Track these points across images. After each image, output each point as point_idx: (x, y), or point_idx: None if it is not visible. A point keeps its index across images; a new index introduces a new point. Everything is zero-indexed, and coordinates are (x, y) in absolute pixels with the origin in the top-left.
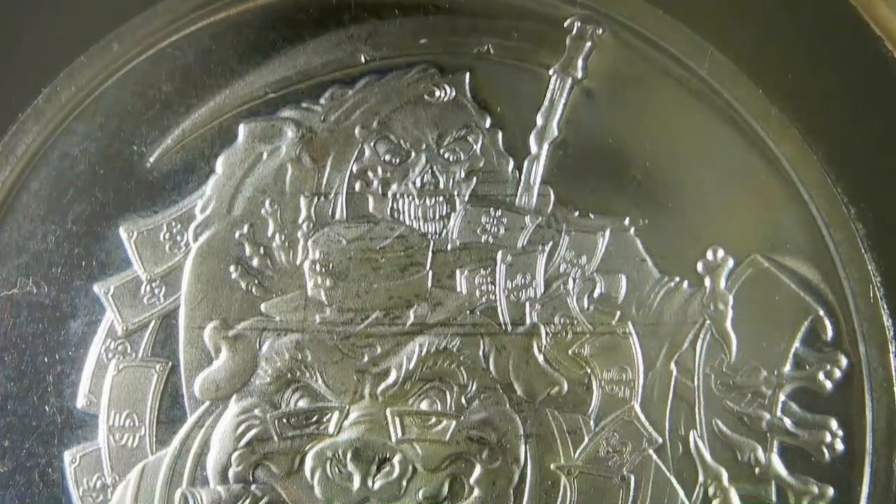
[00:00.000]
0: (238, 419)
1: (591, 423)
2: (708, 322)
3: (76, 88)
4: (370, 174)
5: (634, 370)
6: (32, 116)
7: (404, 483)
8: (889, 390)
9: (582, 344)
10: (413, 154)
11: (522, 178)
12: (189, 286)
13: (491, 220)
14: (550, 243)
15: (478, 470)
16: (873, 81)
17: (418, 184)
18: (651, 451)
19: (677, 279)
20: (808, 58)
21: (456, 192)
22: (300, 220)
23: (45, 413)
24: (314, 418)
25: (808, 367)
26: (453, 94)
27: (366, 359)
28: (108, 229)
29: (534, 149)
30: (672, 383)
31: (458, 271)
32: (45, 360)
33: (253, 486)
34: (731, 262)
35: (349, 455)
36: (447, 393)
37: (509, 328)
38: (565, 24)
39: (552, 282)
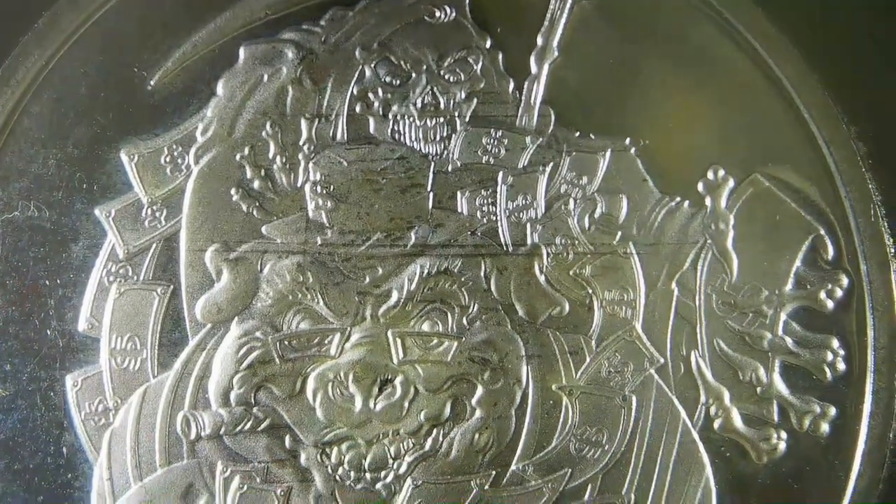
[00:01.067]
0: (240, 342)
1: (593, 343)
2: (709, 242)
3: (77, 11)
4: (371, 96)
5: (635, 290)
6: (33, 40)
7: (406, 404)
8: (890, 309)
9: (583, 264)
10: (413, 75)
11: (523, 98)
12: (190, 209)
13: (492, 140)
14: (551, 164)
15: (479, 391)
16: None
17: (419, 105)
18: (652, 371)
19: (678, 199)
20: None
21: (457, 113)
22: (301, 142)
23: (47, 337)
24: (316, 340)
25: (809, 287)
26: (453, 14)
27: (367, 280)
28: (109, 152)
29: (534, 69)
30: (673, 303)
31: (458, 192)
32: (47, 283)
33: (255, 409)
34: (731, 182)
35: (351, 377)
36: (448, 314)
37: (510, 249)
38: None
39: (553, 202)
